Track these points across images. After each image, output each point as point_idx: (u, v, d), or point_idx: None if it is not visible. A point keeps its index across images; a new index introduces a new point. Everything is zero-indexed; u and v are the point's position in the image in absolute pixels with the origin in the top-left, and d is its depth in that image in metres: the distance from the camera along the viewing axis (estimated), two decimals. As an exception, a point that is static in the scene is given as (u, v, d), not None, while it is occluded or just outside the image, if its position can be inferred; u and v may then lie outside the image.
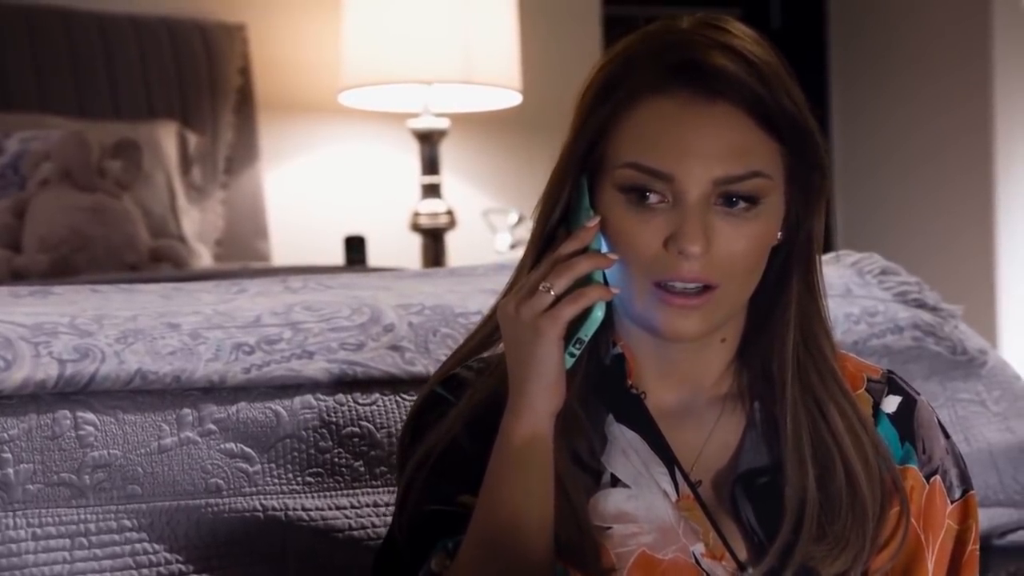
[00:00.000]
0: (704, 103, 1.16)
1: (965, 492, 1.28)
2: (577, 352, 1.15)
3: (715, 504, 1.22)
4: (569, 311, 1.13)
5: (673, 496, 1.21)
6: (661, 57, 1.17)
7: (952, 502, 1.26)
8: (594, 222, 1.17)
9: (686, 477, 1.21)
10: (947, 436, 1.29)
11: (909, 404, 1.28)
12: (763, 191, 1.17)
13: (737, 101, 1.16)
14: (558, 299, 1.13)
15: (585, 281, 1.15)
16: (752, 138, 1.17)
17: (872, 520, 1.20)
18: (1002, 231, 3.96)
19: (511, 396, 1.16)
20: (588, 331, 1.15)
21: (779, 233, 1.21)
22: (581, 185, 1.19)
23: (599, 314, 1.14)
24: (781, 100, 1.17)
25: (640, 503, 1.20)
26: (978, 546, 1.27)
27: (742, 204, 1.16)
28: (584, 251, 1.16)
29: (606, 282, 1.16)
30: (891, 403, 1.27)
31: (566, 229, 1.19)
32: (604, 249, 1.17)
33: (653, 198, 1.16)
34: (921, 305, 1.89)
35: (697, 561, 1.19)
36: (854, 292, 1.86)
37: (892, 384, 1.28)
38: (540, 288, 1.14)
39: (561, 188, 1.20)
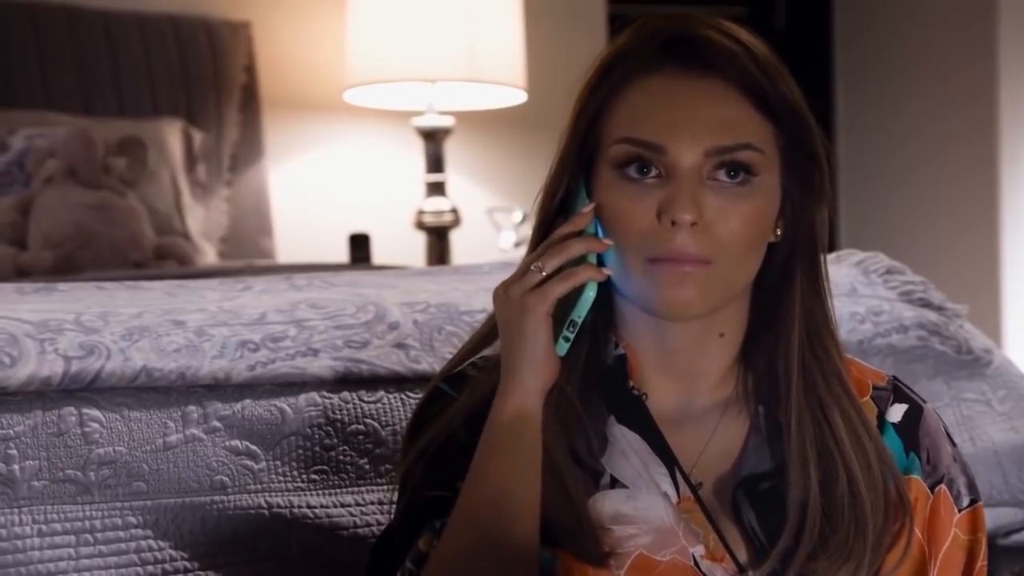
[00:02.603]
0: (697, 77, 1.17)
1: (973, 502, 1.26)
2: (571, 335, 1.16)
3: (716, 507, 1.21)
4: (557, 289, 1.15)
5: (674, 498, 1.21)
6: (654, 37, 1.19)
7: (960, 511, 1.25)
8: (588, 208, 1.18)
9: (687, 478, 1.21)
10: (953, 444, 1.27)
11: (915, 412, 1.26)
12: (756, 165, 1.17)
13: (730, 77, 1.17)
14: (548, 278, 1.15)
15: (578, 264, 1.16)
16: (744, 113, 1.17)
17: (874, 529, 1.19)
18: (1007, 231, 3.96)
19: (502, 375, 1.17)
20: (580, 312, 1.16)
21: (777, 230, 1.21)
22: (579, 175, 1.20)
23: (591, 294, 1.16)
24: (775, 80, 1.18)
25: (638, 504, 1.20)
26: (987, 562, 1.25)
27: (734, 178, 1.17)
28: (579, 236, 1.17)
29: (601, 264, 1.17)
30: (896, 412, 1.26)
31: (563, 218, 1.20)
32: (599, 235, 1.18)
33: (645, 171, 1.16)
34: (926, 304, 1.88)
35: (696, 563, 1.19)
36: (859, 291, 1.85)
37: (898, 392, 1.27)
38: (532, 268, 1.15)
39: (560, 178, 1.22)
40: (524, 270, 1.16)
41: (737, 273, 1.19)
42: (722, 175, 1.16)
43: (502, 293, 1.17)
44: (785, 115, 1.18)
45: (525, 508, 1.16)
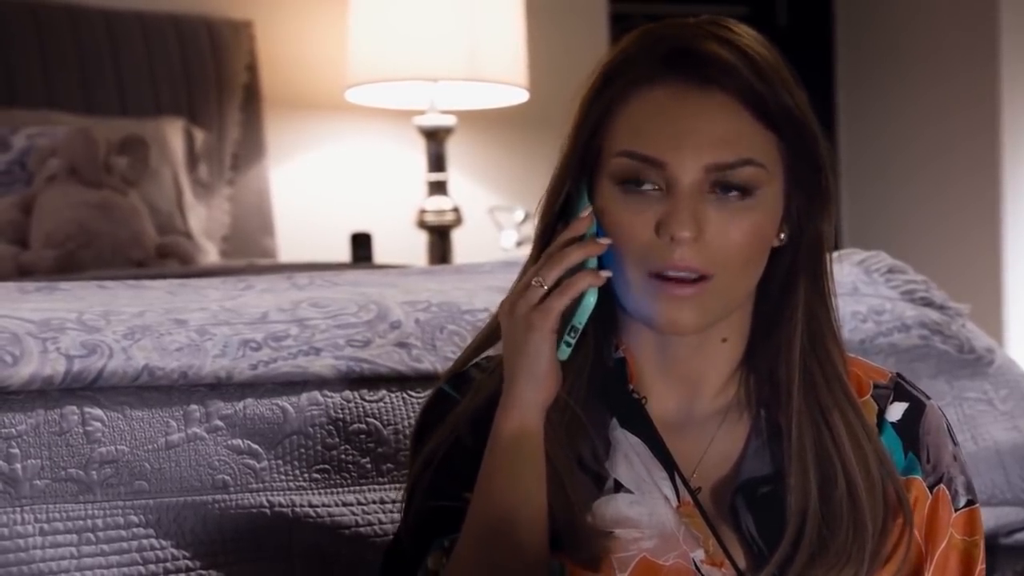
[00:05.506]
0: (697, 91, 1.16)
1: (970, 503, 1.25)
2: (573, 341, 1.16)
3: (715, 512, 1.21)
4: (559, 302, 1.14)
5: (674, 501, 1.21)
6: (656, 49, 1.18)
7: (956, 511, 1.24)
8: (587, 212, 1.17)
9: (686, 483, 1.21)
10: (955, 443, 1.27)
11: (916, 410, 1.25)
12: (757, 181, 1.17)
13: (731, 90, 1.16)
14: (549, 291, 1.14)
15: (577, 271, 1.15)
16: (746, 127, 1.16)
17: (873, 534, 1.18)
18: (1009, 230, 3.96)
19: (504, 390, 1.17)
20: (581, 319, 1.15)
21: (781, 235, 1.21)
22: (580, 181, 1.20)
23: (591, 300, 1.15)
24: (777, 91, 1.16)
25: (643, 509, 1.20)
26: (984, 566, 1.25)
27: (736, 193, 1.16)
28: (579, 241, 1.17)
29: (601, 268, 1.16)
30: (896, 411, 1.25)
31: (565, 223, 1.20)
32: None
33: (646, 186, 1.16)
34: (928, 303, 1.88)
35: (697, 568, 1.19)
36: (861, 290, 1.85)
37: (899, 389, 1.26)
38: (533, 283, 1.14)
39: (561, 185, 1.21)
40: (527, 284, 1.15)
41: (737, 286, 1.19)
42: (723, 190, 1.16)
43: (507, 309, 1.16)
44: (787, 125, 1.17)
45: (532, 523, 1.16)
